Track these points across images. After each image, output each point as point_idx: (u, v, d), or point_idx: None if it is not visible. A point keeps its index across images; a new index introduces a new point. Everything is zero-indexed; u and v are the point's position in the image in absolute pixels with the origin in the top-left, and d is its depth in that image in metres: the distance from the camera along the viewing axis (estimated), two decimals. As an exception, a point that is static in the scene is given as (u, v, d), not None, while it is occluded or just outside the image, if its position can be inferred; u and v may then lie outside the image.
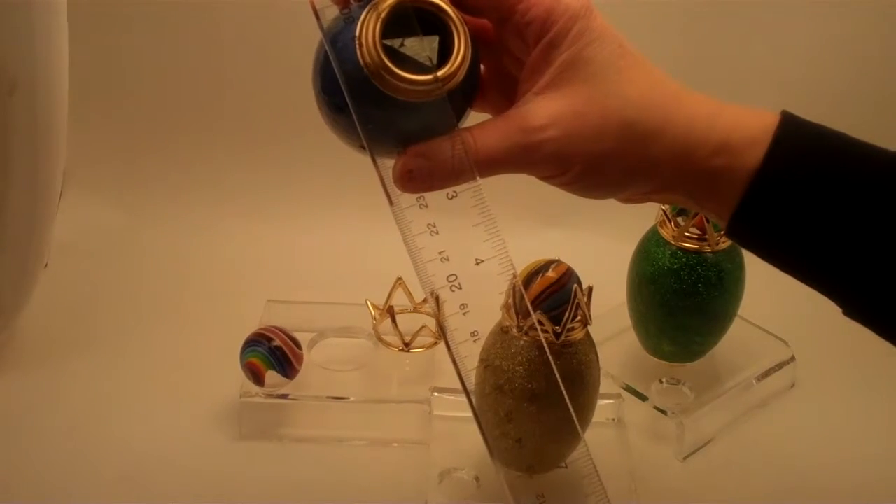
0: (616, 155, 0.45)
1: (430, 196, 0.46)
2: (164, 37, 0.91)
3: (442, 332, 0.47)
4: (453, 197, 0.45)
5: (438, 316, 0.47)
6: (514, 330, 0.59)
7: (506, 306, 0.60)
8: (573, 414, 0.49)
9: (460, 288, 0.46)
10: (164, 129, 0.94)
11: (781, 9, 0.90)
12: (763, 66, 0.93)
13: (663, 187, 0.47)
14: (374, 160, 0.44)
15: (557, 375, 0.50)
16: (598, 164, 0.45)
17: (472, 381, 0.48)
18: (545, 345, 0.57)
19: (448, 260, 0.45)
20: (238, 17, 0.90)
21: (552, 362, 0.53)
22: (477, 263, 0.47)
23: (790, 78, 0.92)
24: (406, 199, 0.45)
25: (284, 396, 0.69)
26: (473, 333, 0.47)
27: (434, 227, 0.46)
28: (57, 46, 0.68)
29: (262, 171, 0.95)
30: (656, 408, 0.70)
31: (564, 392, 0.51)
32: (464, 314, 0.46)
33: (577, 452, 0.51)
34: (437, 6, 0.42)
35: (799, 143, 0.45)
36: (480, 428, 0.51)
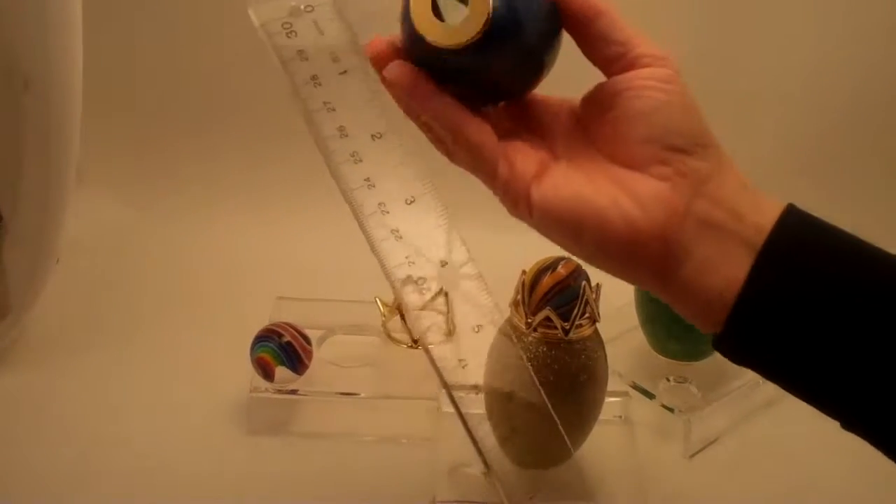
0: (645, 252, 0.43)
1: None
2: (178, 34, 0.91)
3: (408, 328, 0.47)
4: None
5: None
6: (523, 326, 0.60)
7: (514, 303, 0.61)
8: (581, 409, 0.48)
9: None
10: (176, 127, 0.94)
11: (786, 10, 0.90)
12: (769, 71, 0.93)
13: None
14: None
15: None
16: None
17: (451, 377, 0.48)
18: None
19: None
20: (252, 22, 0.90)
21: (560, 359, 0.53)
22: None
23: (796, 86, 0.93)
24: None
25: (294, 392, 0.69)
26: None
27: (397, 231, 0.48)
28: (71, 42, 0.68)
29: (272, 168, 0.95)
30: (664, 406, 0.70)
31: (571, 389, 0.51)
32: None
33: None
34: None
35: (791, 249, 0.42)
36: (467, 428, 0.51)
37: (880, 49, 0.91)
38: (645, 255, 0.43)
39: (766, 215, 0.43)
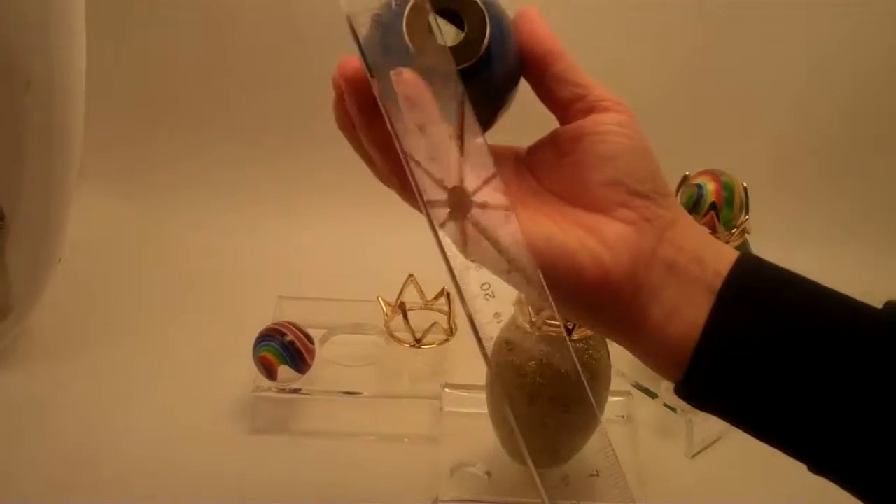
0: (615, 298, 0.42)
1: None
2: (180, 32, 0.91)
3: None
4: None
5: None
6: (527, 325, 0.60)
7: (519, 302, 0.61)
8: (594, 406, 0.48)
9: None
10: (179, 126, 0.94)
11: (789, 10, 0.90)
12: (771, 67, 0.93)
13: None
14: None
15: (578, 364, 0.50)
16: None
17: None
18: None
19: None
20: (254, 13, 0.90)
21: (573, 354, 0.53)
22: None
23: (798, 81, 0.93)
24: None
25: (297, 391, 0.69)
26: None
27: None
28: (74, 42, 0.68)
29: (274, 167, 0.95)
30: (666, 405, 0.70)
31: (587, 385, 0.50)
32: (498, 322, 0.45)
33: (601, 452, 0.51)
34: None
35: (746, 293, 0.42)
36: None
37: (883, 49, 0.92)
38: (616, 300, 0.42)
39: (723, 261, 0.42)
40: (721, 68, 0.92)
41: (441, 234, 0.42)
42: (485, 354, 0.43)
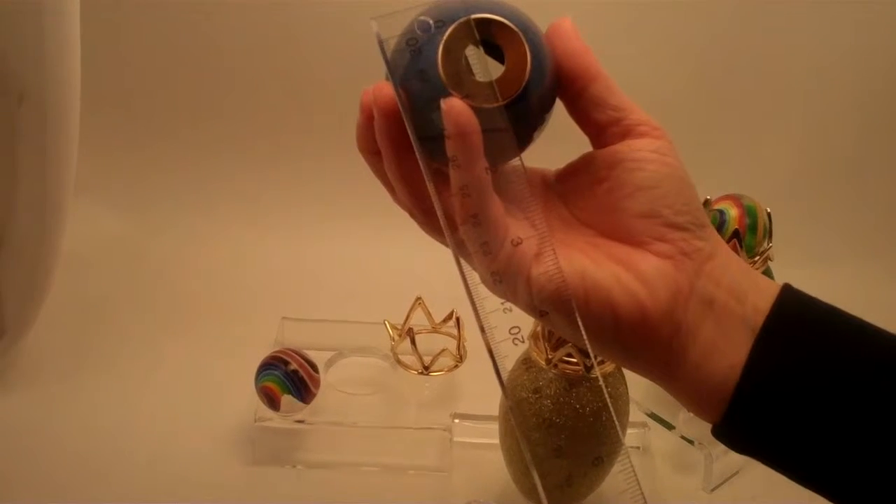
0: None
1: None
2: (177, 45, 0.89)
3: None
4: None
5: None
6: (542, 362, 0.57)
7: (534, 336, 0.58)
8: (619, 440, 0.46)
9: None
10: (178, 139, 0.92)
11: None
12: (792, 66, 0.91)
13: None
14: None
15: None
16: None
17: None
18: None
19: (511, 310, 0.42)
20: (255, 22, 0.88)
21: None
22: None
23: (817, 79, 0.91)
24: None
25: (300, 422, 0.67)
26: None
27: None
28: (68, 56, 0.65)
29: (276, 184, 0.93)
30: (683, 437, 0.68)
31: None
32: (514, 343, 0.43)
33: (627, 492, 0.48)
34: (499, 23, 0.40)
35: (788, 332, 0.40)
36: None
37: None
38: (653, 339, 0.40)
39: (764, 297, 0.40)
40: (738, 86, 0.91)
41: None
42: (499, 375, 0.40)
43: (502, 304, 0.40)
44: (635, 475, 0.41)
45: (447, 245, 0.41)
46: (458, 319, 0.73)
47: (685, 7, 0.87)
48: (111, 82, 0.89)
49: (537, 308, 0.40)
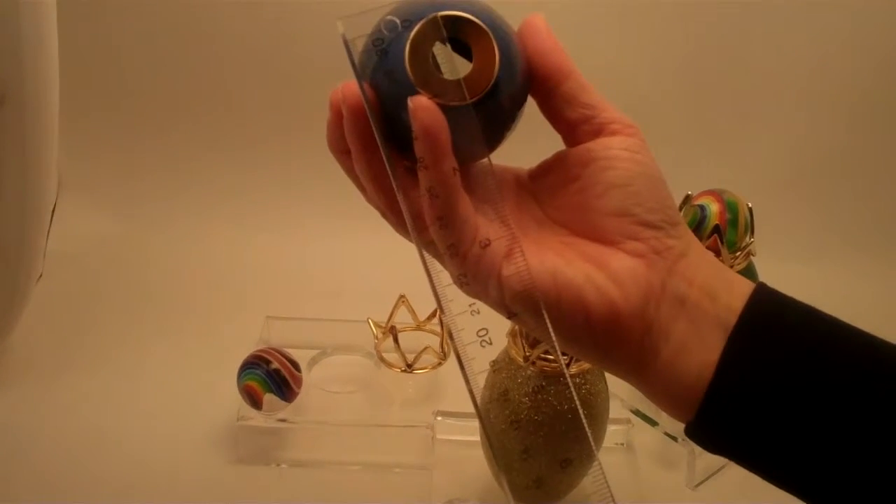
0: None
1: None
2: (161, 43, 0.89)
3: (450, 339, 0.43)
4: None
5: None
6: (520, 359, 0.57)
7: (512, 334, 0.58)
8: (591, 444, 0.46)
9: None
10: (162, 139, 0.92)
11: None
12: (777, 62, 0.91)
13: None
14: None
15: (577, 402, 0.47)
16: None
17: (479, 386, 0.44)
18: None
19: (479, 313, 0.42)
20: (243, 16, 0.88)
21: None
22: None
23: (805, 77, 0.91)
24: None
25: (283, 420, 0.67)
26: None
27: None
28: (46, 56, 0.65)
29: (261, 182, 0.93)
30: (667, 434, 0.68)
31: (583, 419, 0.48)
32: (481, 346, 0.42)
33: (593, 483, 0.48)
34: (467, 20, 0.39)
35: (760, 332, 0.39)
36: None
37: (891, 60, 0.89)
38: (625, 338, 0.39)
39: (737, 296, 0.40)
40: (720, 81, 0.90)
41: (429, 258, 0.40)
42: (467, 381, 0.41)
43: (470, 305, 0.40)
44: (604, 476, 0.41)
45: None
46: (441, 318, 0.72)
47: (669, 2, 0.87)
48: (97, 82, 0.89)
49: (508, 308, 0.40)
